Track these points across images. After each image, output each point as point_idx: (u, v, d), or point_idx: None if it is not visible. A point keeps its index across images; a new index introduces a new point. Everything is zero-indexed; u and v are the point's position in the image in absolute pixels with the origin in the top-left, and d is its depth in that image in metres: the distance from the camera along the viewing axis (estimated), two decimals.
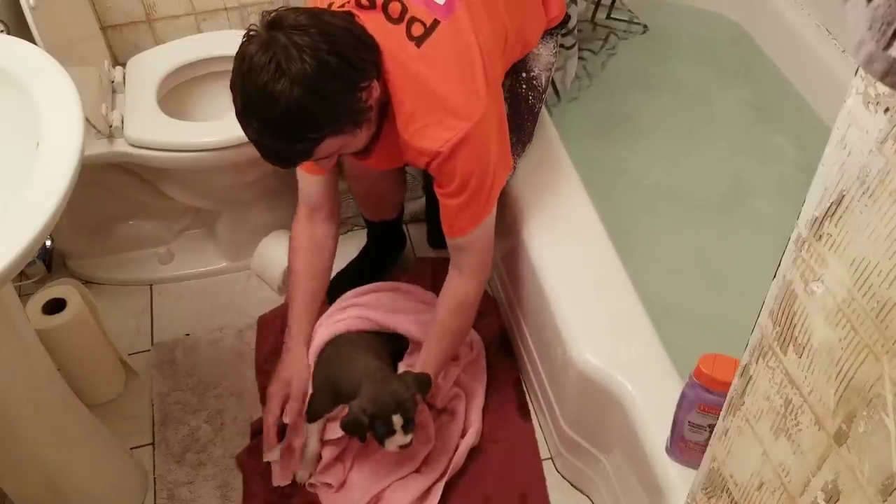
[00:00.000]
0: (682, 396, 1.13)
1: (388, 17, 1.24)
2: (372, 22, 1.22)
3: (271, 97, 1.11)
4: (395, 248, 1.93)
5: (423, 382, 1.38)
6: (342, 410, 1.44)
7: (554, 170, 1.62)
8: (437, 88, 1.24)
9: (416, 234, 2.01)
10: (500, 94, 1.38)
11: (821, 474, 0.63)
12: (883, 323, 0.53)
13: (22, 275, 1.84)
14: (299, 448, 1.52)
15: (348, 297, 1.63)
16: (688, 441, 1.16)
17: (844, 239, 0.55)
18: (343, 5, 1.25)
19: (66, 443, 1.36)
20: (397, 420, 1.33)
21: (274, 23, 1.13)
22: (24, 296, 1.79)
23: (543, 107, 1.65)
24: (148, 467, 1.60)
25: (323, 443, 1.51)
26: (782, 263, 0.64)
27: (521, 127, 1.56)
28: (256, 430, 1.62)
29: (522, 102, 1.56)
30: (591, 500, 1.54)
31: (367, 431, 1.34)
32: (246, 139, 1.19)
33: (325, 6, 1.27)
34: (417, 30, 1.24)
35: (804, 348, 0.62)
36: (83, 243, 1.91)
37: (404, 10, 1.25)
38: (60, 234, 1.87)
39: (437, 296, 1.49)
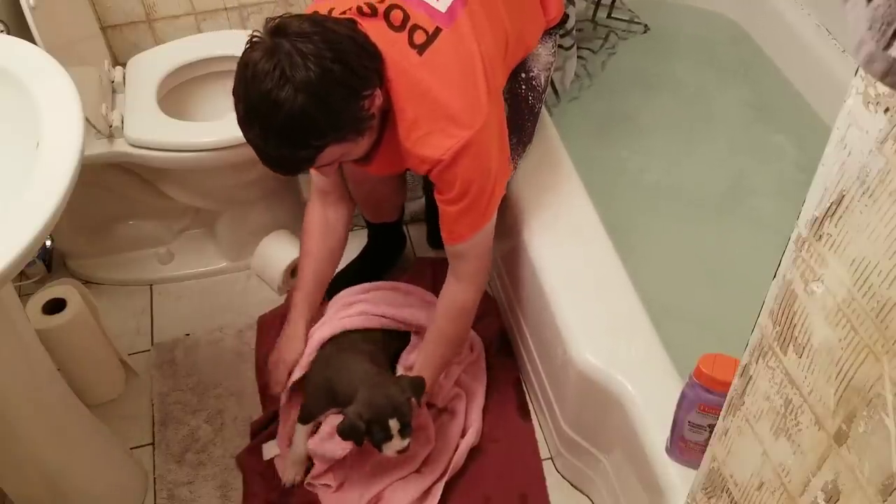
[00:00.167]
0: (682, 396, 1.13)
1: (390, 25, 1.24)
2: (374, 30, 1.22)
3: (275, 104, 1.11)
4: (395, 248, 1.93)
5: (419, 386, 1.38)
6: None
7: (554, 170, 1.62)
8: (438, 96, 1.24)
9: (416, 234, 2.01)
10: (500, 101, 1.38)
11: (821, 474, 0.63)
12: (883, 323, 0.53)
13: (22, 275, 1.84)
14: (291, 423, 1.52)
15: (350, 294, 1.63)
16: (688, 441, 1.16)
17: (844, 239, 0.55)
18: (345, 12, 1.25)
19: (66, 443, 1.36)
20: (394, 425, 1.32)
21: (278, 30, 1.13)
22: (24, 296, 1.79)
23: (543, 107, 1.65)
24: (148, 467, 1.60)
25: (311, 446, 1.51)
26: (782, 263, 0.64)
27: (521, 127, 1.56)
28: (256, 430, 1.62)
29: (522, 103, 1.56)
30: (591, 500, 1.54)
31: (364, 437, 1.33)
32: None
33: (326, 12, 1.27)
34: (419, 38, 1.24)
35: (804, 348, 0.62)
36: (83, 243, 1.91)
37: (406, 17, 1.25)
38: (60, 234, 1.87)
39: (433, 296, 1.49)
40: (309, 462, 1.53)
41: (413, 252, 1.98)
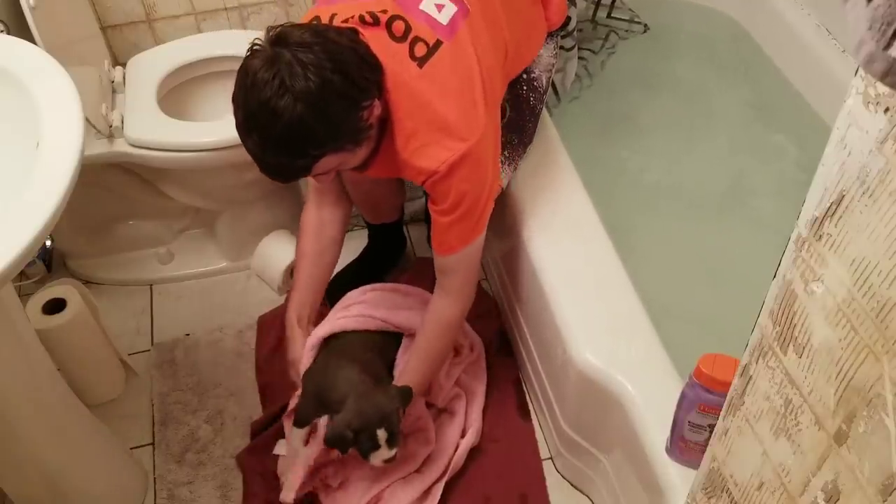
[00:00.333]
0: (682, 396, 1.13)
1: (392, 36, 1.25)
2: (375, 39, 1.22)
3: (274, 113, 1.11)
4: (395, 249, 1.93)
5: (407, 395, 1.38)
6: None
7: (554, 169, 1.62)
8: (437, 109, 1.24)
9: (416, 234, 2.01)
10: (498, 115, 1.39)
11: (821, 474, 0.63)
12: (883, 323, 0.53)
13: (22, 275, 1.84)
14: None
15: (350, 297, 1.63)
16: (688, 441, 1.16)
17: (844, 239, 0.55)
18: (347, 20, 1.25)
19: (66, 443, 1.36)
20: (382, 434, 1.32)
21: (279, 39, 1.14)
22: (24, 296, 1.79)
23: (544, 107, 1.65)
24: (148, 467, 1.60)
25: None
26: (782, 263, 0.64)
27: (522, 128, 1.56)
28: (256, 430, 1.62)
29: (523, 104, 1.56)
30: (591, 500, 1.54)
31: (350, 446, 1.33)
32: None
33: (328, 18, 1.27)
34: (420, 50, 1.24)
35: (804, 348, 0.62)
36: (83, 243, 1.91)
37: (408, 29, 1.25)
38: (60, 234, 1.87)
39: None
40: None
41: (413, 252, 1.98)
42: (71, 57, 1.45)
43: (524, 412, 1.66)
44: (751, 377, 0.72)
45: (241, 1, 1.97)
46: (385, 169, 1.35)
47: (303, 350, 1.52)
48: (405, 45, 1.24)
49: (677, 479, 1.19)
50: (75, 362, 1.62)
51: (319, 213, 1.55)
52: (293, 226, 1.85)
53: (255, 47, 1.15)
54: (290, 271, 1.86)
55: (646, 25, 2.15)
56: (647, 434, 1.25)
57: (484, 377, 1.68)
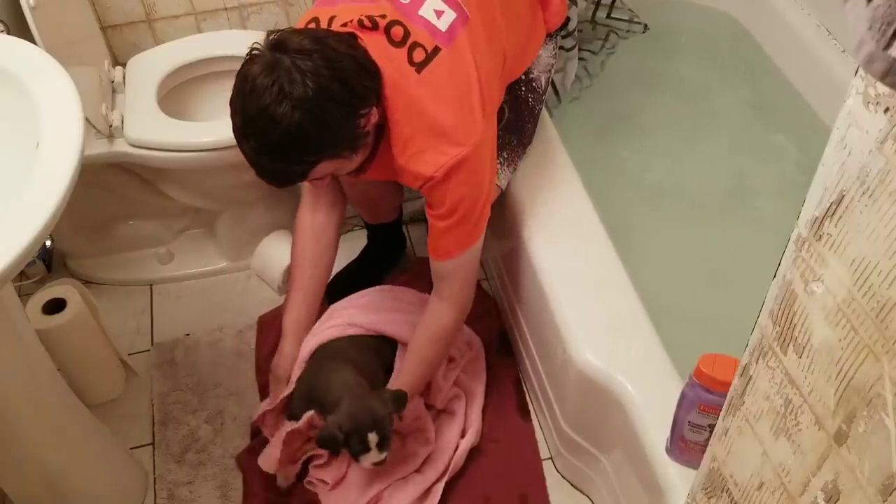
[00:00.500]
0: (682, 396, 1.13)
1: (391, 41, 1.24)
2: (374, 44, 1.22)
3: (272, 119, 1.11)
4: (395, 249, 1.93)
5: (400, 400, 1.39)
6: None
7: (554, 170, 1.62)
8: (434, 115, 1.24)
9: (416, 234, 2.01)
10: (495, 121, 1.40)
11: (821, 474, 0.63)
12: (883, 323, 0.53)
13: (22, 275, 1.84)
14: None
15: (341, 304, 1.63)
16: (688, 441, 1.16)
17: (844, 239, 0.55)
18: (346, 24, 1.25)
19: (66, 443, 1.36)
20: (373, 438, 1.33)
21: (278, 44, 1.14)
22: (24, 296, 1.79)
23: (543, 108, 1.65)
24: (148, 467, 1.60)
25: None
26: (782, 263, 0.64)
27: (521, 129, 1.56)
28: (256, 431, 1.62)
29: (522, 104, 1.56)
30: (591, 500, 1.54)
31: (341, 447, 1.34)
32: None
33: (327, 20, 1.27)
34: (419, 56, 1.24)
35: (804, 348, 0.62)
36: (83, 243, 1.91)
37: (407, 34, 1.25)
38: (60, 234, 1.87)
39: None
40: (301, 464, 1.53)
41: (413, 252, 1.98)
42: (71, 57, 1.45)
43: (524, 412, 1.66)
44: (751, 377, 0.72)
45: (241, 1, 1.97)
46: (382, 173, 1.35)
47: (291, 369, 1.53)
48: (404, 51, 1.24)
49: (677, 479, 1.19)
50: (75, 362, 1.61)
51: (315, 218, 1.55)
52: (293, 226, 1.85)
53: (254, 52, 1.15)
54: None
55: (646, 25, 2.15)
56: (647, 434, 1.25)
57: (483, 377, 1.67)
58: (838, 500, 0.62)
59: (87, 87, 1.61)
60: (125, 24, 1.93)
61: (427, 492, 1.49)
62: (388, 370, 1.55)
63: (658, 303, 1.44)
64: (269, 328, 1.79)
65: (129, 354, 1.76)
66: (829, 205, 0.56)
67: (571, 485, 1.56)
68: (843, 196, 0.54)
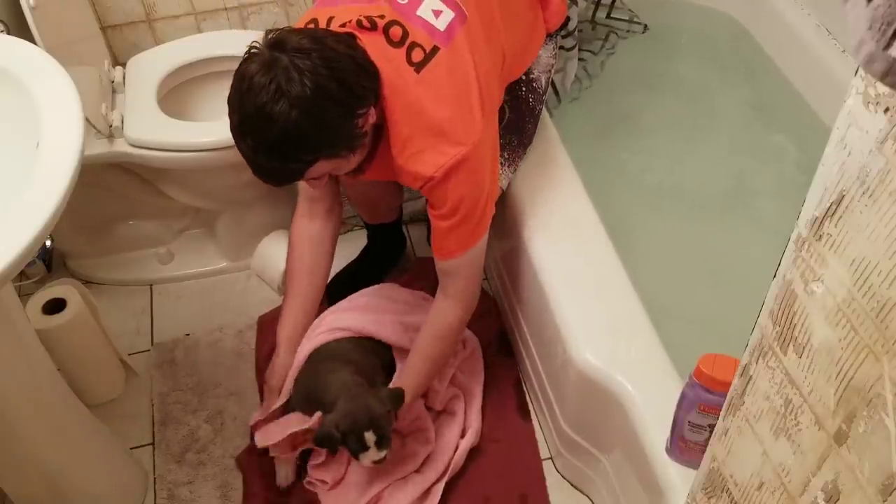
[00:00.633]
0: (682, 396, 1.13)
1: (389, 41, 1.24)
2: (372, 44, 1.22)
3: (269, 118, 1.11)
4: (395, 249, 1.93)
5: (398, 398, 1.39)
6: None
7: (554, 170, 1.62)
8: (433, 115, 1.24)
9: (416, 234, 2.01)
10: (495, 121, 1.39)
11: (821, 474, 0.63)
12: (883, 323, 0.53)
13: (22, 275, 1.84)
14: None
15: (335, 307, 1.62)
16: (688, 441, 1.16)
17: (844, 239, 0.55)
18: (345, 24, 1.25)
19: (66, 443, 1.36)
20: (370, 437, 1.33)
21: (277, 43, 1.14)
22: (24, 296, 1.79)
23: (544, 108, 1.65)
24: (148, 467, 1.60)
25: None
26: (782, 263, 0.64)
27: (521, 129, 1.56)
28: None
29: (523, 104, 1.56)
30: (591, 500, 1.54)
31: (338, 446, 1.34)
32: None
33: (325, 21, 1.27)
34: (417, 56, 1.24)
35: (804, 348, 0.62)
36: (83, 243, 1.91)
37: (405, 34, 1.25)
38: (60, 234, 1.87)
39: (427, 295, 1.48)
40: (300, 462, 1.53)
41: (413, 252, 1.98)
42: (71, 57, 1.45)
43: (524, 412, 1.66)
44: (751, 377, 0.72)
45: (241, 1, 1.97)
46: (381, 173, 1.35)
47: (284, 379, 1.52)
48: (402, 51, 1.24)
49: (677, 479, 1.19)
50: (75, 362, 1.62)
51: (311, 226, 1.54)
52: (289, 233, 1.85)
53: (252, 51, 1.15)
54: None
55: (646, 25, 2.15)
56: (647, 434, 1.25)
57: (481, 376, 1.67)
58: (838, 500, 0.62)
59: (87, 87, 1.61)
60: (125, 24, 1.93)
61: (427, 492, 1.49)
62: (387, 369, 1.55)
63: (658, 303, 1.44)
64: (269, 328, 1.79)
65: (129, 354, 1.76)
66: (829, 205, 0.56)
67: (571, 485, 1.56)
68: (843, 196, 0.54)
